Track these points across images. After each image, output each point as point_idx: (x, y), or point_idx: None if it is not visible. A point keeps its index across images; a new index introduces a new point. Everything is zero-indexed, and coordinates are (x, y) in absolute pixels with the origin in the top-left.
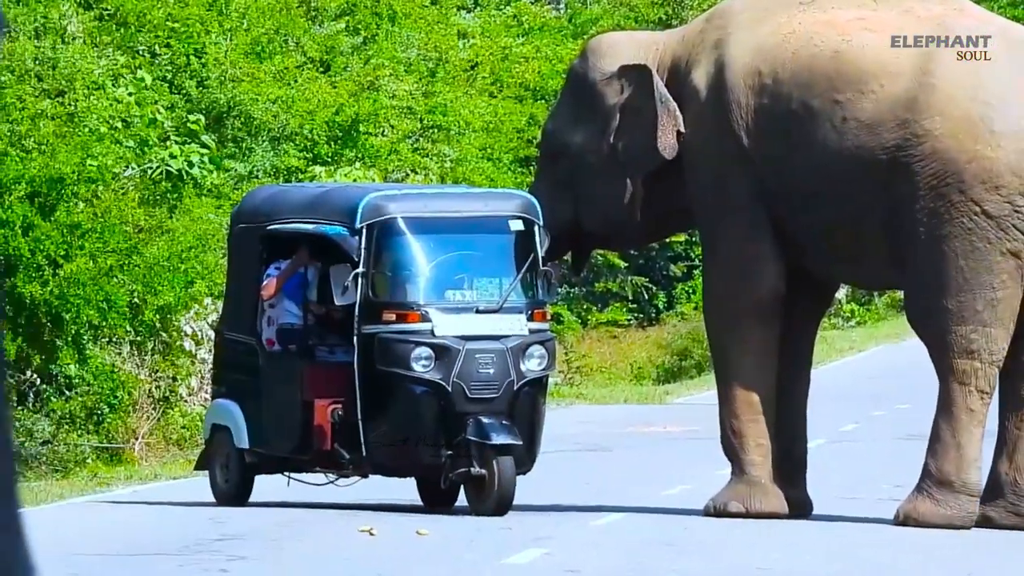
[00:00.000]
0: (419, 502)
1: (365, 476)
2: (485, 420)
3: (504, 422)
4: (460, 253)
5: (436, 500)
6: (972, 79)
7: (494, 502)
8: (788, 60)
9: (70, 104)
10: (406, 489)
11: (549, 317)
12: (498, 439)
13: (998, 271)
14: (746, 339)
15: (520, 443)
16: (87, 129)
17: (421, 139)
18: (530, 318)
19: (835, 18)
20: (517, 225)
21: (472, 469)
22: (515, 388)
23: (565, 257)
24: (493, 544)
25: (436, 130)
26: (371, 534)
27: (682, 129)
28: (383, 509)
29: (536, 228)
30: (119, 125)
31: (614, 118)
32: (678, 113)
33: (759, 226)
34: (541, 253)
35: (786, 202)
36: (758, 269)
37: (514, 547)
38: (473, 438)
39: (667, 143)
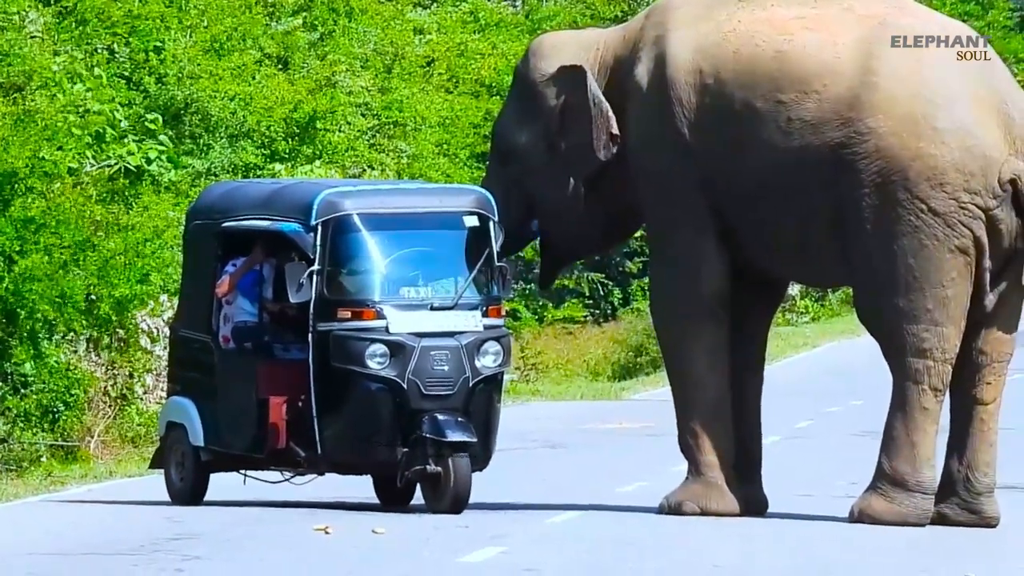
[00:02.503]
0: (375, 500)
1: (321, 474)
2: (440, 417)
3: (459, 419)
4: (415, 249)
5: (392, 498)
6: (915, 77)
7: (450, 500)
8: (730, 59)
9: (22, 99)
10: (362, 487)
11: (504, 313)
12: (453, 436)
13: (947, 269)
14: (696, 337)
15: (475, 440)
16: (43, 124)
17: (377, 135)
18: (485, 314)
19: (775, 16)
20: (472, 221)
21: (428, 467)
22: (470, 385)
23: (521, 254)
24: (449, 542)
25: (392, 126)
26: (327, 533)
27: (614, 131)
28: (339, 507)
29: (491, 224)
30: (71, 117)
31: (554, 120)
32: (611, 114)
33: (704, 224)
34: (496, 249)
35: (731, 200)
36: (704, 267)
37: (471, 545)
38: (428, 435)
39: (601, 144)
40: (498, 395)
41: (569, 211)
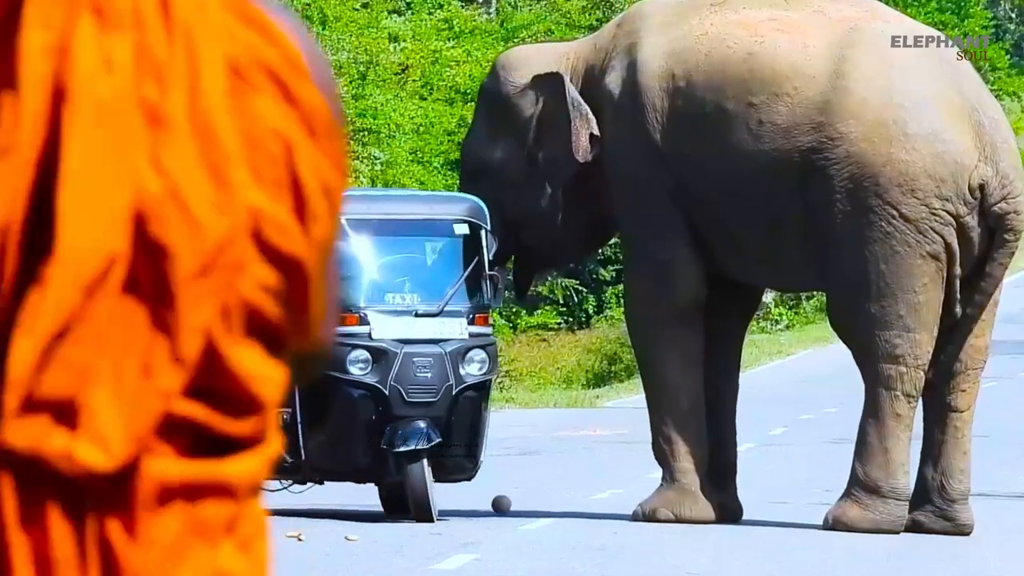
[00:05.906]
0: (349, 507)
1: (320, 483)
2: (400, 429)
3: (421, 427)
4: (402, 256)
5: (397, 508)
6: (886, 82)
7: (412, 509)
8: (701, 62)
9: None
10: (333, 494)
11: (491, 322)
12: (402, 447)
13: (919, 275)
14: (669, 344)
15: (429, 446)
16: None
17: (351, 142)
18: (472, 322)
19: (747, 19)
20: (462, 229)
21: (389, 477)
22: (454, 393)
23: (509, 265)
24: (423, 550)
25: (366, 133)
26: (299, 539)
27: (595, 132)
28: (312, 514)
29: (483, 232)
30: None
31: (531, 130)
32: (591, 116)
33: (677, 229)
34: (488, 257)
35: (703, 204)
36: (677, 272)
37: (444, 552)
38: (384, 446)
39: (581, 146)
40: (485, 403)
41: (549, 221)
